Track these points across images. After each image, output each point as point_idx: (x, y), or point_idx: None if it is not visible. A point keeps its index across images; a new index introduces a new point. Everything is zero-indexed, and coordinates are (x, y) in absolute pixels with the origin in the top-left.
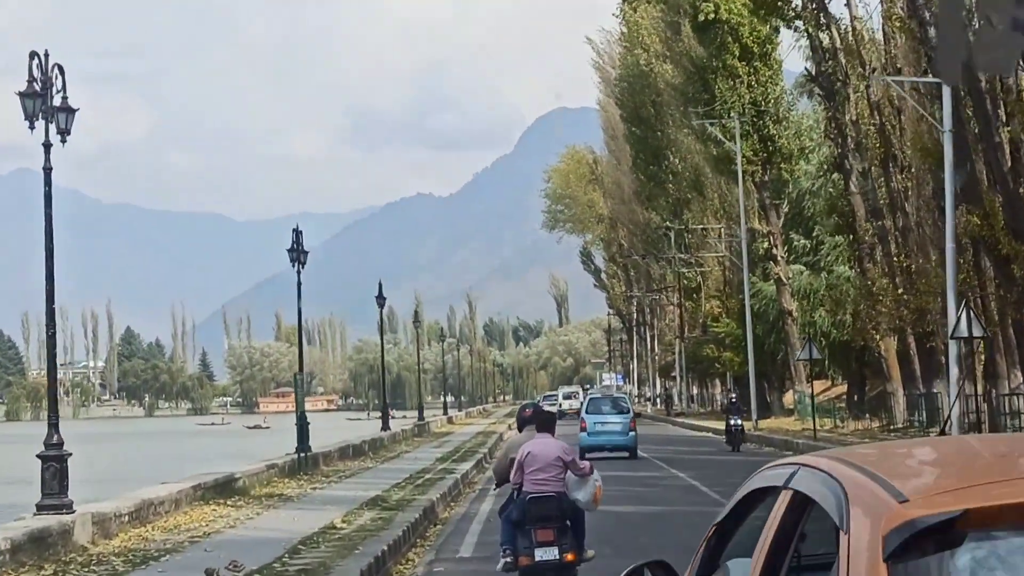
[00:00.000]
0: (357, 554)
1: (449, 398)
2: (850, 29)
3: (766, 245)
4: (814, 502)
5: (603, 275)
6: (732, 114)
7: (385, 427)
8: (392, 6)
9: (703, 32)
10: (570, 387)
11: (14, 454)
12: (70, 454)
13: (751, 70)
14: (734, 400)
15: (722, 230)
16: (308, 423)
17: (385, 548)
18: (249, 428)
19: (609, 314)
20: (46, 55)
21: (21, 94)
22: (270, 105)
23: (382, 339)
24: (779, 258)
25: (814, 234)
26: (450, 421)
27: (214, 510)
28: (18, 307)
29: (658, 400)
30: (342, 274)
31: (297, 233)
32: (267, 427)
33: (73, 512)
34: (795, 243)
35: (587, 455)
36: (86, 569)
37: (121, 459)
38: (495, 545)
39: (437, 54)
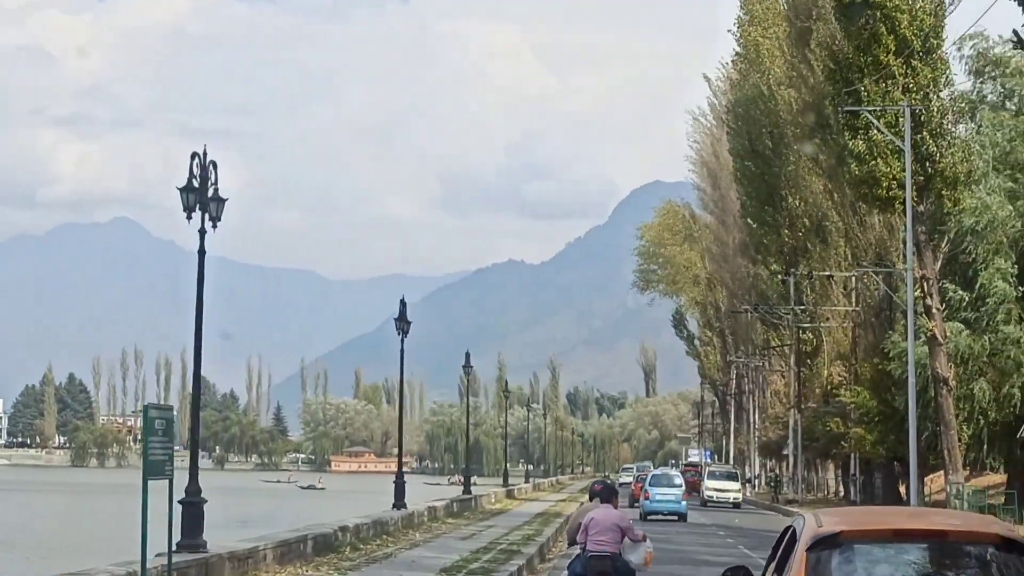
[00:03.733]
0: None
1: (529, 467)
2: None
3: (918, 293)
4: (795, 529)
5: (696, 342)
6: (891, 118)
7: (399, 503)
8: (492, 78)
9: (849, 18)
10: (643, 463)
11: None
12: None
13: (908, 70)
14: None
15: (854, 279)
16: (204, 501)
17: None
18: (303, 488)
19: (702, 384)
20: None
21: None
22: (366, 168)
23: (402, 381)
24: (934, 311)
25: (977, 285)
26: (509, 495)
27: None
28: (91, 351)
29: (758, 482)
30: (427, 336)
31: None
32: (322, 488)
33: None
34: (951, 295)
35: (648, 517)
36: None
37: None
38: None
39: (534, 125)
